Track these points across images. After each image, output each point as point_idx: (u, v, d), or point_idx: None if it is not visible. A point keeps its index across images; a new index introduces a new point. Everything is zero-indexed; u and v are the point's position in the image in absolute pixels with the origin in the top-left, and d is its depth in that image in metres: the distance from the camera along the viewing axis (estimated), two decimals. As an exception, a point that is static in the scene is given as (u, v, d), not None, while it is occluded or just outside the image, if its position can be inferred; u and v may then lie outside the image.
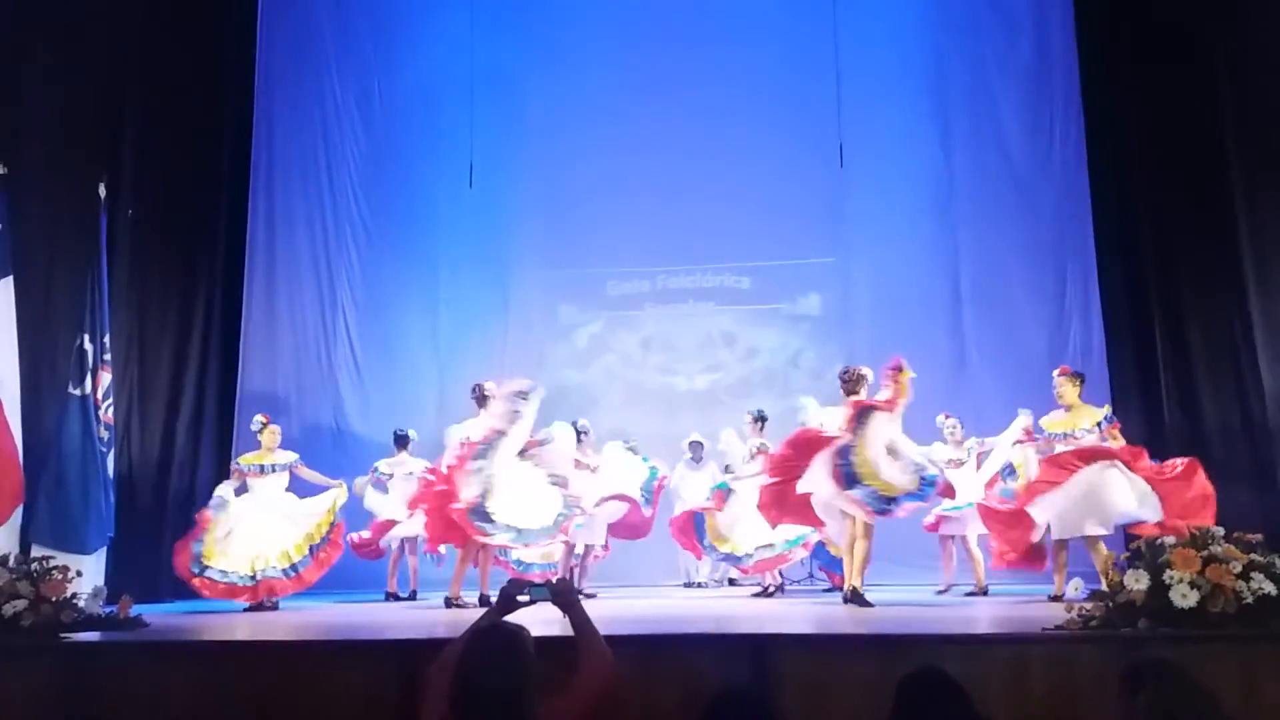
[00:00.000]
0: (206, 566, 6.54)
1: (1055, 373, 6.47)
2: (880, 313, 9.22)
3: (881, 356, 8.61)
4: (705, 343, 9.71)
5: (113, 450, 6.73)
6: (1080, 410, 6.26)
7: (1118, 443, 6.14)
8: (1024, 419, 6.62)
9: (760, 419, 7.71)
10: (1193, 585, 3.65)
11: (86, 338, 6.49)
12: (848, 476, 5.66)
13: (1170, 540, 3.92)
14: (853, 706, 3.40)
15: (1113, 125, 8.57)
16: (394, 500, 7.56)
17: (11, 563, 4.56)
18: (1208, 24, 7.44)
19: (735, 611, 5.98)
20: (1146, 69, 8.12)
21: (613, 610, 6.30)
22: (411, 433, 7.97)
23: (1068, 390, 6.30)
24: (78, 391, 6.41)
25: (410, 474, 7.50)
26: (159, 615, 5.14)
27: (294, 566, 6.70)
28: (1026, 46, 9.45)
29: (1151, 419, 8.09)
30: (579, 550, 7.65)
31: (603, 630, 2.88)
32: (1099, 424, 6.18)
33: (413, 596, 7.77)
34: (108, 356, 6.66)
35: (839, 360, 8.11)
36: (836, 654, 3.70)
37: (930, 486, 5.68)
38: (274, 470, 6.94)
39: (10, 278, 6.15)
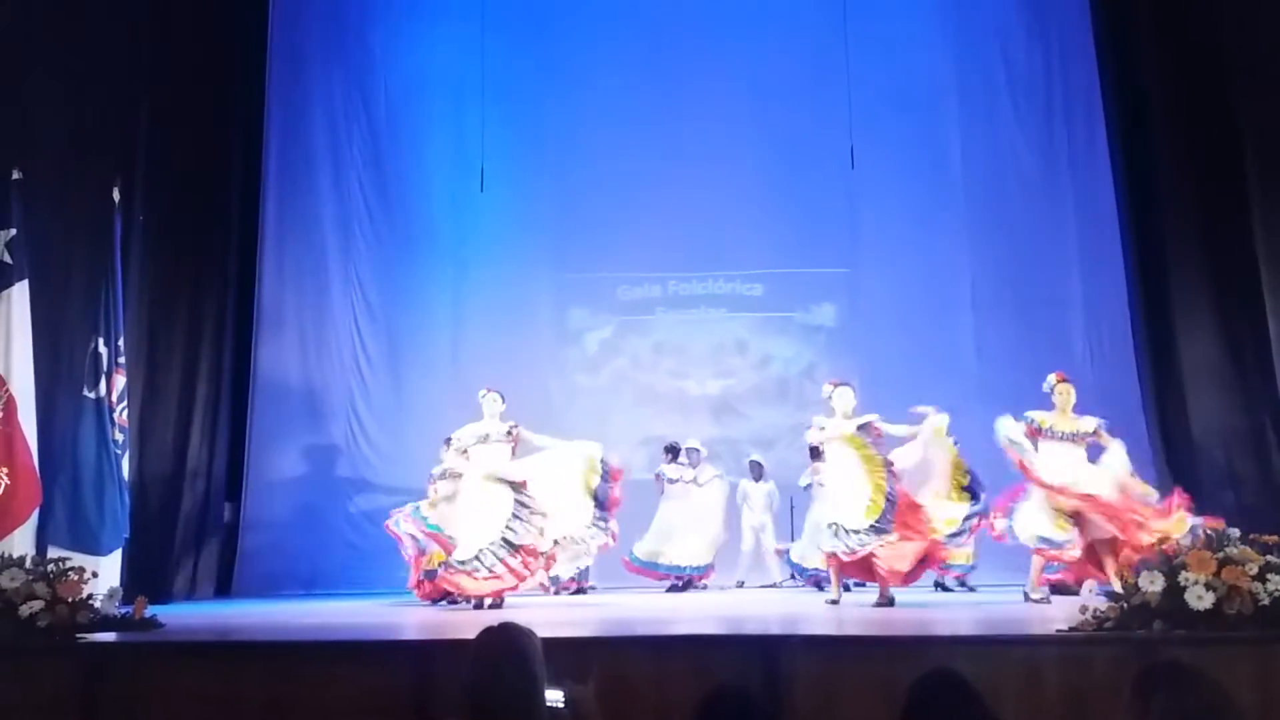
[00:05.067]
0: None
1: (1056, 378, 6.53)
2: (895, 324, 9.19)
3: (896, 370, 8.70)
4: (718, 350, 9.68)
5: (127, 452, 6.77)
6: (1069, 415, 6.39)
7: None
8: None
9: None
10: (1208, 587, 3.63)
11: (101, 341, 6.51)
12: None
13: (1186, 541, 3.91)
14: (864, 708, 3.38)
15: (1129, 129, 8.58)
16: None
17: (28, 564, 4.59)
18: (1224, 20, 7.41)
19: (745, 612, 5.97)
20: (1163, 70, 8.12)
21: (624, 610, 6.30)
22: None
23: (1071, 396, 6.41)
24: (92, 394, 6.43)
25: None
26: (174, 616, 5.16)
27: None
28: (1039, 49, 9.44)
29: (1168, 423, 8.12)
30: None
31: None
32: (1096, 430, 6.36)
33: None
34: (122, 359, 6.69)
35: (854, 373, 8.13)
36: (848, 655, 3.69)
37: None
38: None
39: (25, 282, 6.18)
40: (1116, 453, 6.27)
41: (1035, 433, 6.34)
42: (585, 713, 2.64)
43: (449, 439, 7.19)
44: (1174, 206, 8.12)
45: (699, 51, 9.61)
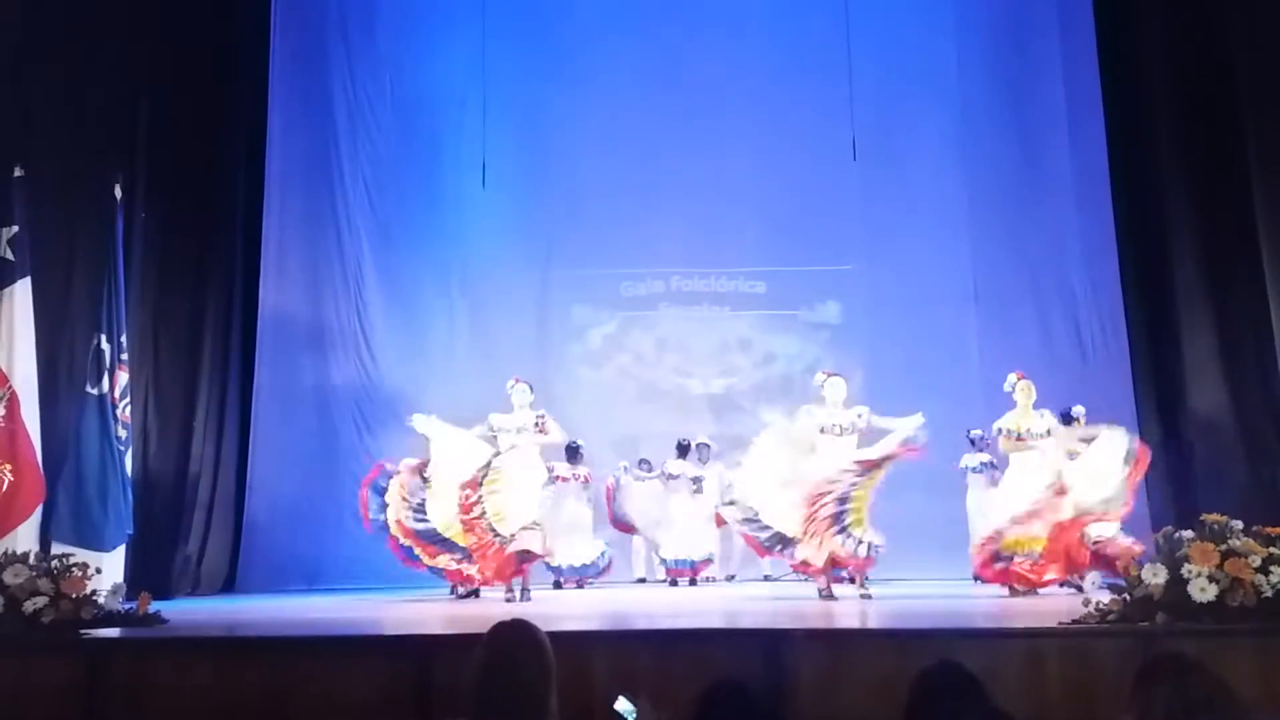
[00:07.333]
0: None
1: (1016, 376, 6.69)
2: (899, 320, 9.16)
3: (900, 366, 8.67)
4: (721, 347, 9.67)
5: (130, 449, 6.77)
6: (1031, 413, 6.57)
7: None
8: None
9: None
10: (1211, 579, 3.63)
11: (103, 337, 6.51)
12: None
13: (1189, 534, 3.90)
14: (867, 701, 3.38)
15: (1131, 122, 8.55)
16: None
17: (32, 560, 4.60)
18: (1229, 17, 7.37)
19: (748, 606, 5.98)
20: (1166, 64, 8.09)
21: (625, 605, 6.31)
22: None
23: (1032, 393, 6.60)
24: (95, 390, 6.44)
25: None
26: (177, 611, 5.18)
27: None
28: (1041, 41, 9.42)
29: (1168, 418, 8.12)
30: None
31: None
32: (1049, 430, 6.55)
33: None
34: (124, 356, 6.69)
35: (858, 370, 8.12)
36: (851, 648, 3.69)
37: None
38: None
39: (28, 278, 6.19)
40: (1060, 446, 6.45)
41: (1018, 440, 6.49)
42: None
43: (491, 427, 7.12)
44: (1175, 197, 8.09)
45: (700, 46, 9.58)
